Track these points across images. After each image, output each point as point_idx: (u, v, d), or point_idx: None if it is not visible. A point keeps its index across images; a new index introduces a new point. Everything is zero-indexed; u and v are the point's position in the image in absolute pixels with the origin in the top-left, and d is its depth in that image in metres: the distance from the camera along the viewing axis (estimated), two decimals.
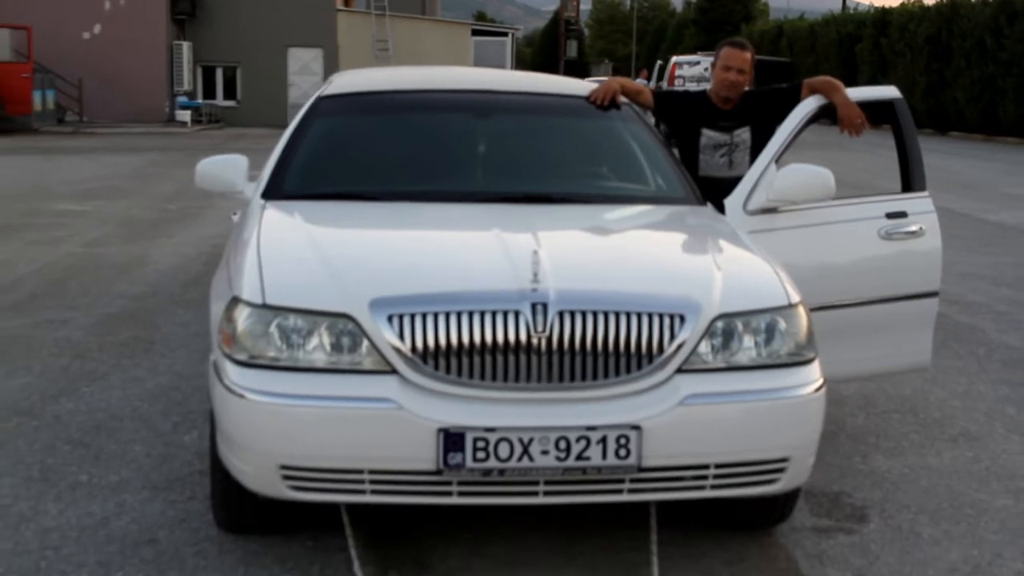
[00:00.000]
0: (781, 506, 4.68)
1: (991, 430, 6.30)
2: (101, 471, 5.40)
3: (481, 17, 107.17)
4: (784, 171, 5.51)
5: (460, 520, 4.81)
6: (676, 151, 6.19)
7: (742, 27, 67.93)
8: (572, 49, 63.07)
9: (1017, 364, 7.82)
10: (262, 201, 5.21)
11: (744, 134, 6.12)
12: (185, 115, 37.18)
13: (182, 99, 38.43)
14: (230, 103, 40.90)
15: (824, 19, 54.83)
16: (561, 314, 3.93)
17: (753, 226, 5.41)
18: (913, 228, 5.77)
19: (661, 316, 4.00)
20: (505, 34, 51.88)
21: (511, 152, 5.79)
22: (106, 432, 5.98)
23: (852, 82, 5.98)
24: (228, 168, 5.53)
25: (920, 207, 5.83)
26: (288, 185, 5.33)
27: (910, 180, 5.93)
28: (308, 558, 4.46)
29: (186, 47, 39.80)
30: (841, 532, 4.85)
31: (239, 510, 4.53)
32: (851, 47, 48.42)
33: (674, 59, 48.13)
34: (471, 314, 3.92)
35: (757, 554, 4.63)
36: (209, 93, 41.24)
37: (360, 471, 3.93)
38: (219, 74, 41.81)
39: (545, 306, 3.93)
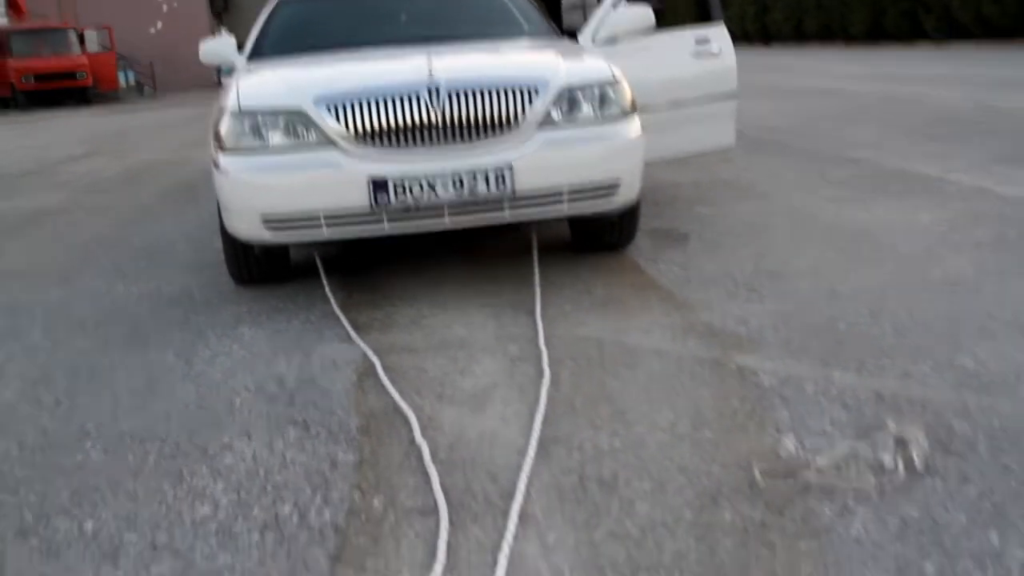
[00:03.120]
0: (627, 231, 4.71)
1: (779, 189, 6.36)
2: (156, 266, 5.40)
3: None
4: (619, 10, 5.43)
5: (402, 265, 4.85)
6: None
7: None
8: None
9: (801, 154, 7.87)
10: (246, 63, 5.15)
11: None
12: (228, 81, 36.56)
13: (225, 69, 37.66)
14: None
15: None
16: (450, 93, 3.92)
17: (600, 53, 5.34)
18: (714, 49, 5.70)
19: (522, 90, 3.99)
20: None
21: (422, 14, 5.66)
22: (161, 244, 5.98)
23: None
24: (222, 46, 5.45)
25: (718, 35, 5.75)
26: (264, 49, 5.25)
27: (709, 14, 5.85)
28: (295, 294, 4.48)
29: (223, 32, 38.89)
30: (670, 247, 4.89)
31: (247, 268, 4.55)
32: None
33: None
34: (385, 99, 3.91)
35: (611, 262, 4.67)
36: None
37: (317, 215, 3.93)
38: None
39: (438, 89, 3.92)
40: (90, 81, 30.35)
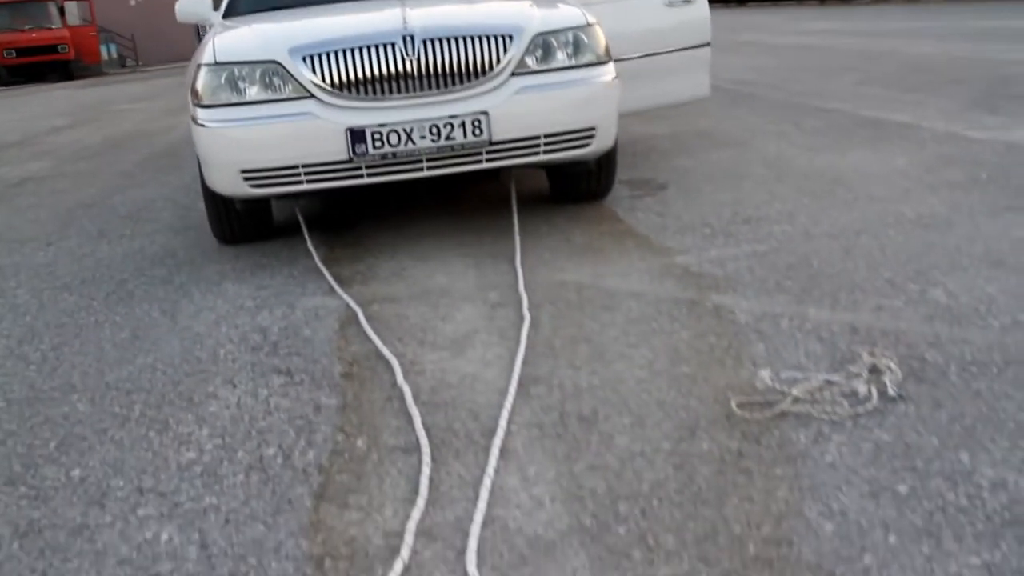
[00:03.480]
0: (605, 180, 4.68)
1: (756, 139, 6.31)
2: (140, 228, 5.35)
3: None
4: None
5: (383, 221, 4.81)
6: None
7: None
8: None
9: (776, 107, 7.81)
10: (222, 20, 5.05)
11: None
12: None
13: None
14: None
15: None
16: (424, 42, 3.86)
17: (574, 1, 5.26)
18: None
19: (496, 37, 3.94)
20: None
21: None
22: (145, 209, 5.92)
23: None
24: (198, 4, 5.32)
25: None
26: (240, 7, 5.15)
27: None
28: (278, 250, 4.45)
29: None
30: (648, 196, 4.87)
31: (229, 226, 4.51)
32: None
33: None
34: (361, 50, 3.86)
35: (590, 211, 4.65)
36: None
37: (296, 167, 3.88)
38: None
39: (413, 37, 3.86)
40: (72, 54, 29.92)
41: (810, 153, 5.62)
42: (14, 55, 29.49)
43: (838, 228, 3.96)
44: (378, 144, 3.80)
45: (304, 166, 3.86)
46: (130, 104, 15.95)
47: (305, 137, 3.83)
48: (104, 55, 33.25)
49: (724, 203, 4.55)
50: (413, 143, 3.81)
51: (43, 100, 19.88)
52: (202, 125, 3.92)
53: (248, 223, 4.48)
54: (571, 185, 4.71)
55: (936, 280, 3.24)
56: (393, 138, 3.80)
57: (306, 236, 4.46)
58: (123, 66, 35.14)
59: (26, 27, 29.70)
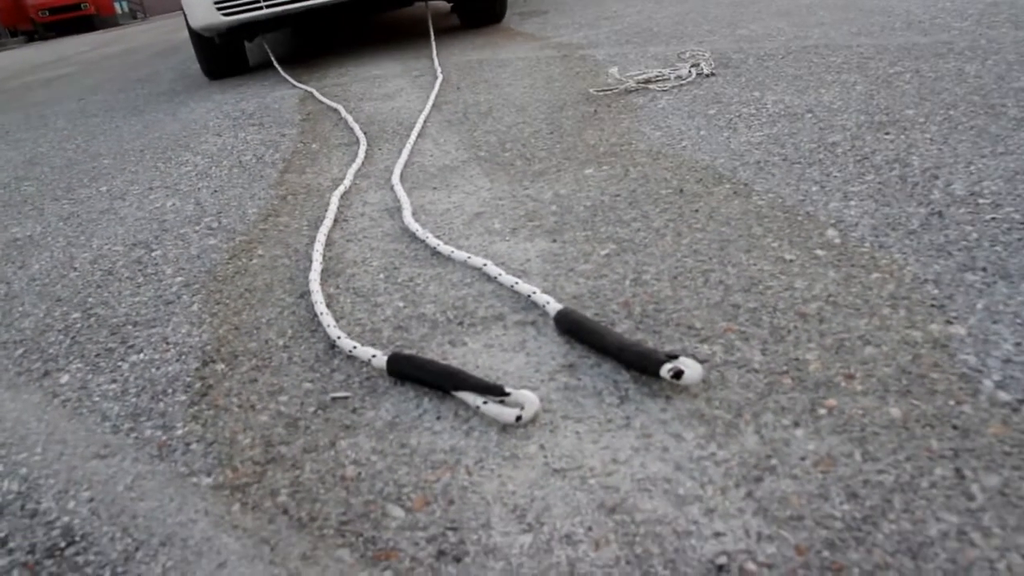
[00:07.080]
0: (500, 6, 4.50)
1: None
2: (149, 85, 5.08)
3: None
4: None
5: (334, 54, 4.61)
6: None
7: None
8: None
9: None
10: None
11: None
12: None
13: None
14: None
15: None
16: None
17: None
18: None
19: None
20: None
21: None
22: (153, 75, 5.62)
23: None
24: None
25: None
26: None
27: None
28: (255, 75, 4.24)
29: None
30: (534, 17, 4.71)
31: (215, 62, 4.28)
32: None
33: None
34: None
35: (490, 29, 4.49)
36: None
37: None
38: None
39: None
40: (92, 10, 27.94)
41: None
42: (47, 14, 27.52)
43: (672, 14, 3.88)
44: None
45: None
46: (140, 36, 15.01)
47: None
48: (118, 9, 31.07)
49: (590, 13, 4.43)
50: None
51: (73, 41, 18.65)
52: None
53: (228, 57, 4.26)
54: (475, 12, 4.53)
55: (743, 25, 3.20)
56: None
57: (271, 57, 4.29)
58: (134, 18, 32.92)
59: None
